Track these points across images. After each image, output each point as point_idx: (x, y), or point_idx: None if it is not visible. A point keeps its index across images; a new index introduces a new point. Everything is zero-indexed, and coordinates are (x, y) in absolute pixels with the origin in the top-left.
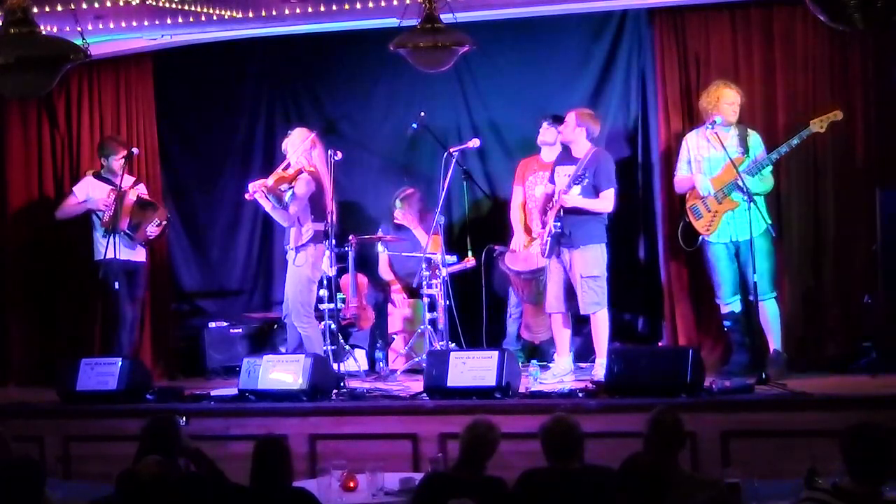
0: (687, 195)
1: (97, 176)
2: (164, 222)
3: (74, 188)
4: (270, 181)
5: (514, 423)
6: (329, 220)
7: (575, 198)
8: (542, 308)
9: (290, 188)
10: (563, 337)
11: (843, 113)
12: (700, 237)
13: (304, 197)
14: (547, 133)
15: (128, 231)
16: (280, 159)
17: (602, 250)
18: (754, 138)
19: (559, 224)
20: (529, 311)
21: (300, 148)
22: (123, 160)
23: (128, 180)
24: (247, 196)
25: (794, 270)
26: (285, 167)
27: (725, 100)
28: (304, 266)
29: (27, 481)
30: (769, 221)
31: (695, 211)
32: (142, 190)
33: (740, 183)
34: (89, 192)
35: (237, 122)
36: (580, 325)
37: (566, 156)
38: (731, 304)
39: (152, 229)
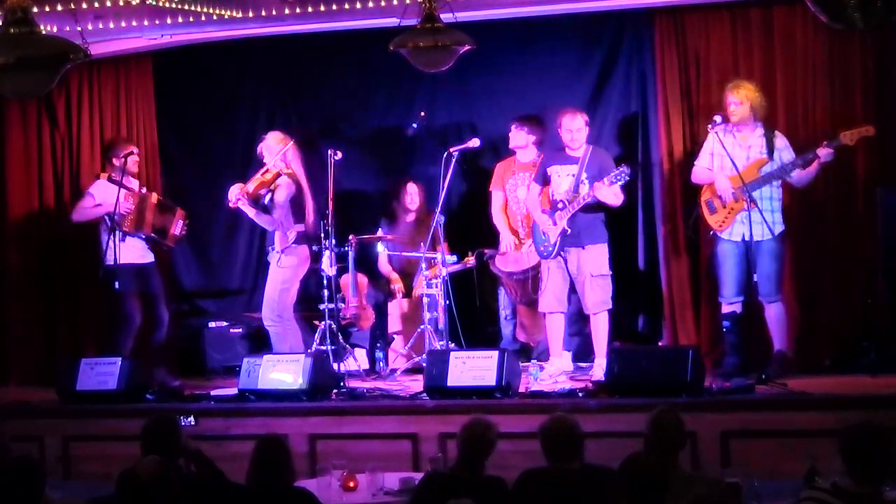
0: (703, 188)
1: (109, 179)
2: (186, 220)
3: (90, 190)
4: (251, 187)
5: (514, 422)
6: (328, 220)
7: (605, 191)
8: (536, 308)
9: (268, 192)
10: (559, 337)
11: (874, 129)
12: (711, 232)
13: (285, 201)
14: (518, 137)
15: (154, 235)
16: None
17: (606, 249)
18: (780, 140)
19: (570, 225)
20: (524, 313)
21: (276, 150)
22: (137, 158)
23: (135, 183)
24: (230, 205)
25: (794, 270)
26: (264, 172)
27: (729, 99)
28: (288, 268)
29: (27, 481)
30: (780, 227)
31: (710, 205)
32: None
33: (772, 180)
34: (105, 196)
35: (237, 121)
36: (580, 324)
37: (559, 155)
38: (733, 304)
39: (180, 228)
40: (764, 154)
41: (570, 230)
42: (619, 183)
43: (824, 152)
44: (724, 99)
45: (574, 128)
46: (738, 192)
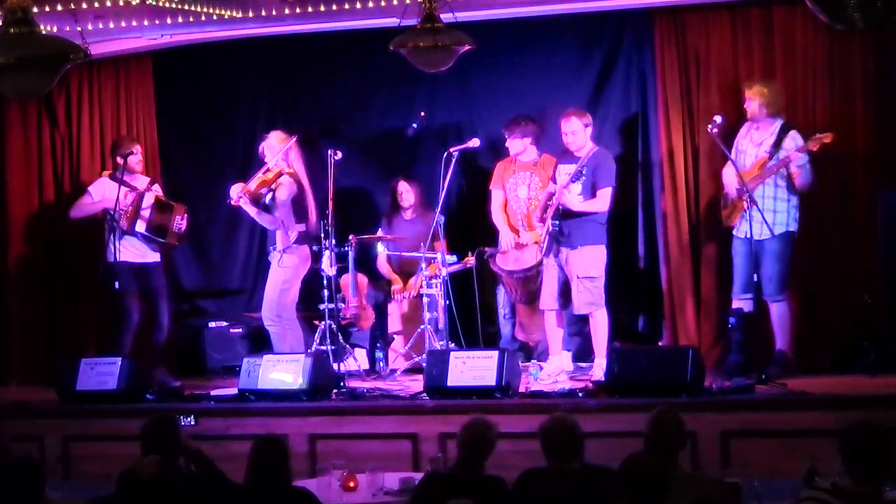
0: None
1: (112, 177)
2: (186, 215)
3: (90, 188)
4: (253, 186)
5: (514, 422)
6: (328, 220)
7: (572, 197)
8: (536, 307)
9: (269, 191)
10: (556, 335)
11: (834, 136)
12: (724, 226)
13: (286, 200)
14: (514, 145)
15: (149, 234)
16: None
17: (601, 251)
18: (789, 140)
19: (557, 223)
20: (523, 312)
21: (278, 149)
22: (142, 157)
23: (143, 180)
24: (233, 202)
25: (794, 270)
26: (265, 171)
27: (748, 94)
28: (289, 268)
29: (27, 481)
30: (790, 227)
31: (724, 200)
32: (157, 189)
33: (766, 183)
34: (105, 194)
35: (237, 121)
36: (581, 324)
37: (568, 155)
38: (742, 300)
39: (179, 225)
40: (768, 153)
41: (553, 228)
42: (578, 181)
43: (795, 156)
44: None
45: (569, 130)
46: (740, 189)
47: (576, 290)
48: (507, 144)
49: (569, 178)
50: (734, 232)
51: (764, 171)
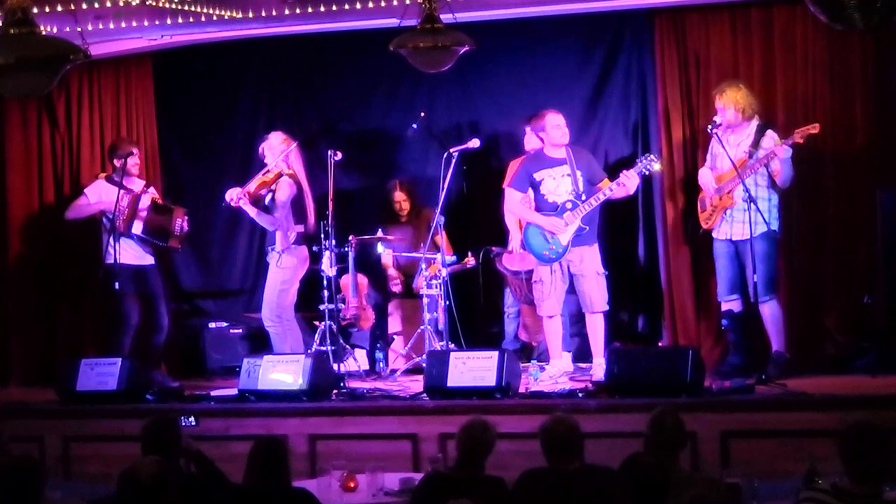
0: (700, 186)
1: (108, 180)
2: (187, 217)
3: (86, 190)
4: (252, 187)
5: (514, 423)
6: (328, 220)
7: (633, 183)
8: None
9: (269, 192)
10: (559, 339)
11: (820, 126)
12: (701, 230)
13: (286, 201)
14: (532, 139)
15: (147, 237)
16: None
17: None
18: (767, 139)
19: (585, 227)
20: (528, 312)
21: (278, 150)
22: (138, 160)
23: (139, 183)
24: (232, 204)
25: (794, 270)
26: (265, 172)
27: (716, 105)
28: (288, 268)
29: (27, 481)
30: (773, 226)
31: (702, 203)
32: (153, 192)
33: (747, 182)
34: (101, 196)
35: (237, 121)
36: (580, 325)
37: (543, 159)
38: (728, 302)
39: (181, 227)
40: (747, 153)
41: (587, 228)
42: (645, 172)
43: (781, 150)
44: (718, 100)
45: (562, 122)
46: (720, 188)
47: (595, 286)
48: (525, 137)
49: (635, 171)
50: (714, 234)
51: (745, 169)
